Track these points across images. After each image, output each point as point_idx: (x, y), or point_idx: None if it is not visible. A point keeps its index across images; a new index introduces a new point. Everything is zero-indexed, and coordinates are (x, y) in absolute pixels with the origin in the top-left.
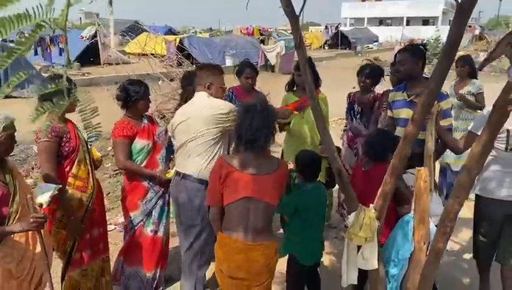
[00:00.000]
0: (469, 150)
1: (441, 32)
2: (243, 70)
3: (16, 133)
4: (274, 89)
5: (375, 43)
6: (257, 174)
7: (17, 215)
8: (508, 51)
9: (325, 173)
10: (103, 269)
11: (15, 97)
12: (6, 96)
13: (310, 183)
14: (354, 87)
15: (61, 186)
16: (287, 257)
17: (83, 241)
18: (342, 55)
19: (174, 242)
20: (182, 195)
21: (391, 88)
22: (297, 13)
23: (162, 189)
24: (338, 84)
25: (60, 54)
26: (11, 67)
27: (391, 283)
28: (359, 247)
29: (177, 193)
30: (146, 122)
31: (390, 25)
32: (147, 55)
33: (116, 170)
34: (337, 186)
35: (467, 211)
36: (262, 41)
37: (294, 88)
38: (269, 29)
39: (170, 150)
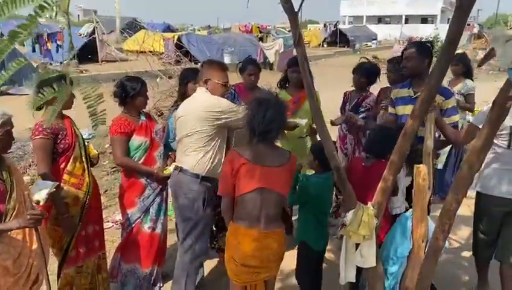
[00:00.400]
0: (448, 148)
1: (440, 30)
2: (245, 67)
3: (13, 130)
4: (272, 87)
5: (374, 41)
6: (269, 165)
7: (14, 212)
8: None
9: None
10: (99, 266)
11: (12, 94)
12: (2, 94)
13: (324, 173)
14: (352, 86)
15: (58, 183)
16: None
17: (78, 238)
18: (341, 53)
19: (171, 239)
20: (178, 188)
21: (388, 85)
22: (296, 10)
23: (160, 186)
24: (336, 82)
25: (57, 51)
26: (8, 61)
27: (389, 281)
28: (357, 245)
29: (175, 187)
30: (144, 119)
31: (389, 23)
32: (145, 52)
33: (114, 167)
34: None
35: (466, 208)
36: (261, 39)
37: (287, 85)
38: (268, 27)
39: (168, 148)
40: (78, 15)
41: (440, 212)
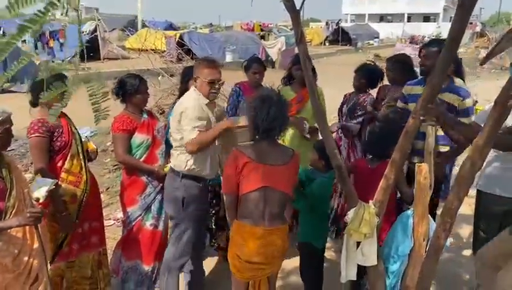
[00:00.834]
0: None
1: (442, 29)
2: (250, 65)
3: (14, 128)
4: (275, 85)
5: (376, 40)
6: (273, 164)
7: (14, 210)
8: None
9: None
10: (100, 262)
11: (14, 92)
12: (5, 91)
13: (328, 172)
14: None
15: (58, 181)
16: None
17: (74, 235)
18: (343, 52)
19: None
20: (165, 187)
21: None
22: (297, 8)
23: (161, 184)
24: (338, 81)
25: (60, 49)
26: (10, 61)
27: (391, 279)
28: (358, 243)
29: (165, 185)
30: (146, 116)
31: (391, 22)
32: (147, 50)
33: (116, 165)
34: None
35: (467, 207)
36: (263, 37)
37: (291, 82)
38: (270, 25)
39: (170, 145)
40: (80, 12)
41: (441, 210)
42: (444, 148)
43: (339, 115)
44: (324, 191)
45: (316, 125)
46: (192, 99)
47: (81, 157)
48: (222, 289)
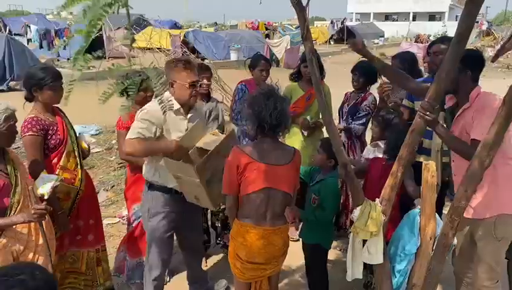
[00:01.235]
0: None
1: (448, 27)
2: (257, 62)
3: (18, 124)
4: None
5: (381, 39)
6: (275, 164)
7: (19, 206)
8: None
9: None
10: (98, 259)
11: (19, 90)
12: (11, 89)
13: (332, 172)
14: None
15: (63, 177)
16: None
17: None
18: (348, 51)
19: None
20: None
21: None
22: (304, 4)
23: None
24: (342, 80)
25: (65, 48)
26: (16, 60)
27: (397, 278)
28: (364, 241)
29: None
30: None
31: (397, 20)
32: (152, 49)
33: (121, 163)
34: None
35: None
36: (268, 36)
37: (299, 79)
38: (274, 24)
39: None
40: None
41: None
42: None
43: (339, 114)
44: (335, 192)
45: (320, 120)
46: (151, 106)
47: (76, 154)
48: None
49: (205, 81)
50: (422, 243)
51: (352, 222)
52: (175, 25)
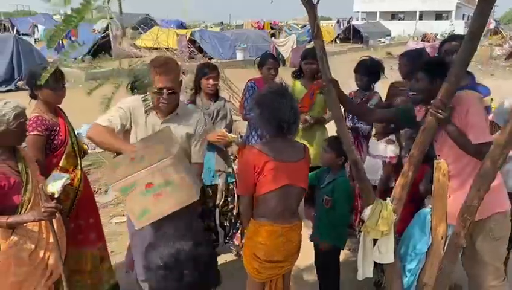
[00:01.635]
0: None
1: (455, 26)
2: (265, 61)
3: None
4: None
5: (388, 38)
6: (291, 161)
7: (30, 204)
8: None
9: None
10: (102, 257)
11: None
12: (19, 89)
13: (340, 171)
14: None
15: (72, 176)
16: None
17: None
18: (353, 50)
19: None
20: None
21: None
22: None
23: None
24: (349, 79)
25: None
26: (24, 59)
27: (408, 277)
28: (375, 240)
29: None
30: None
31: (403, 19)
32: (159, 48)
33: None
34: None
35: None
36: (273, 35)
37: (301, 77)
38: (280, 23)
39: None
40: (92, 11)
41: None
42: None
43: (345, 114)
44: (349, 192)
45: (324, 116)
46: (133, 99)
47: (76, 155)
48: (236, 286)
49: (211, 81)
50: (434, 242)
51: (362, 221)
52: (181, 25)
